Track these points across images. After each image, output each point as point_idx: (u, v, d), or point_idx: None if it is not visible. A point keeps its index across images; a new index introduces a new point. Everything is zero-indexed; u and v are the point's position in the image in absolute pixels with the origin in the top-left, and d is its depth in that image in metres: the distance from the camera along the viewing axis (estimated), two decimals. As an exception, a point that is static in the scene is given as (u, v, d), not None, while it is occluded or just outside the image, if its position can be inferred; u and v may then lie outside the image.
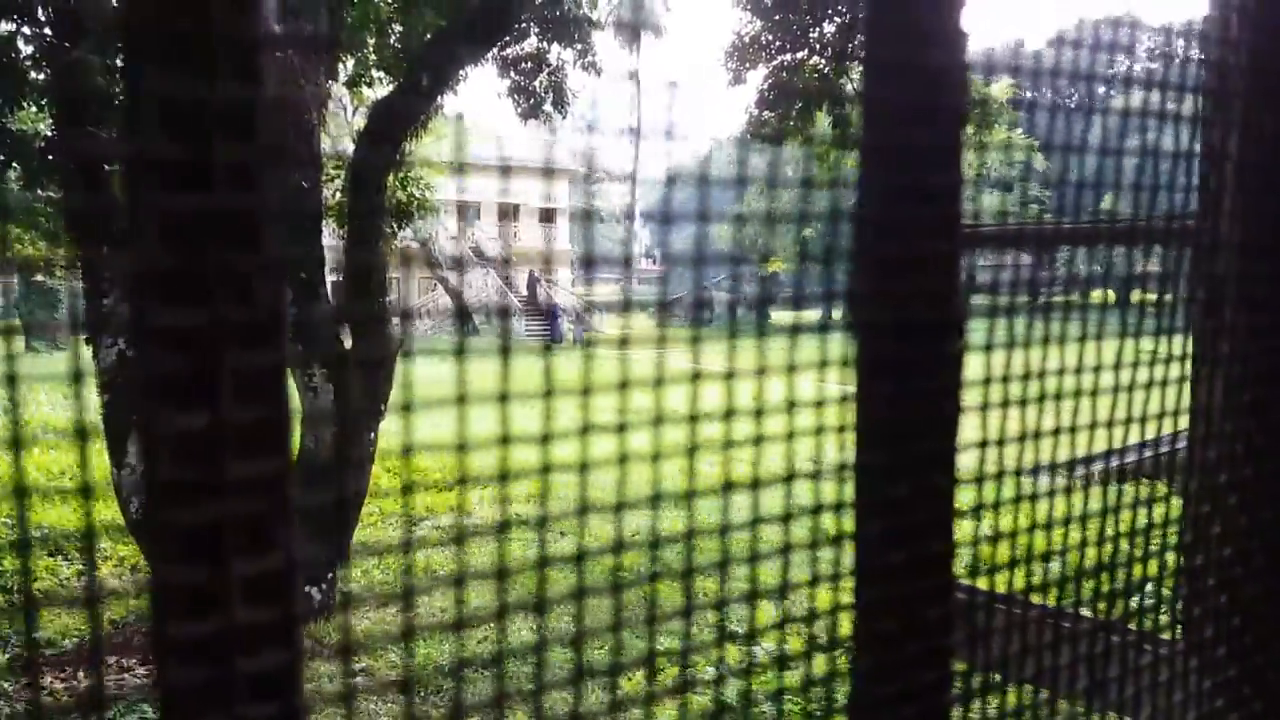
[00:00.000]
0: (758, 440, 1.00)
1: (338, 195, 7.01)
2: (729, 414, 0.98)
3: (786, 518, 0.99)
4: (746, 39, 10.30)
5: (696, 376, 1.05)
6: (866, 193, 0.85)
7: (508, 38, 8.15)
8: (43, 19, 5.71)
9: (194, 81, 0.49)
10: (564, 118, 10.49)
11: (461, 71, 6.68)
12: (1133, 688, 1.34)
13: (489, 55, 8.16)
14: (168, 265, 0.50)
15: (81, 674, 5.16)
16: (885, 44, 0.82)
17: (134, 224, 0.50)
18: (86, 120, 5.62)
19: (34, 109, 6.34)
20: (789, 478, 1.01)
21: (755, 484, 0.98)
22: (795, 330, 1.00)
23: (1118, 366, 1.36)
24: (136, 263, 0.51)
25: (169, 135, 0.50)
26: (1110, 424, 1.37)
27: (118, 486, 5.54)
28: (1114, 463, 1.59)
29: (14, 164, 6.20)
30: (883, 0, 0.83)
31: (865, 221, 0.85)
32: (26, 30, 5.79)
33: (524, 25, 8.40)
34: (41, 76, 6.03)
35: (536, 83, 9.72)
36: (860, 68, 11.02)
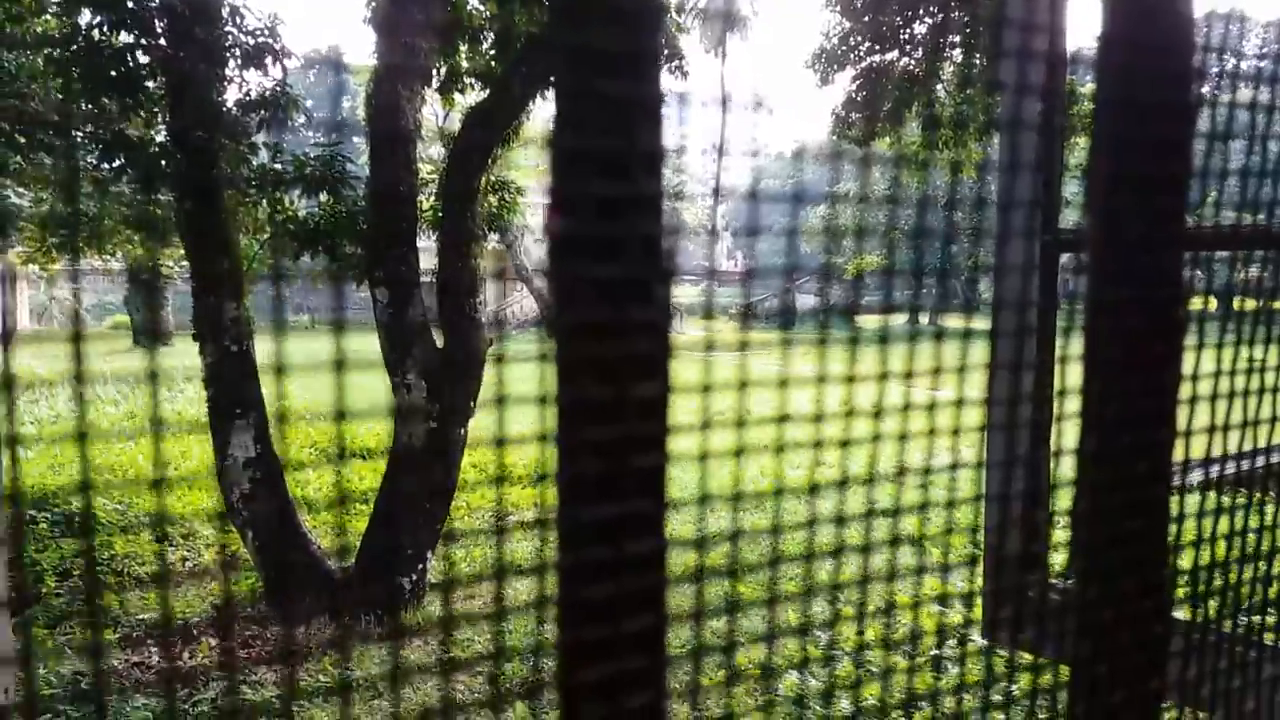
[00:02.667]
0: (875, 439, 1.02)
1: (431, 200, 7.18)
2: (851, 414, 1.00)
3: (918, 536, 1.00)
4: (835, 40, 10.22)
5: (783, 382, 1.07)
6: (1094, 186, 0.86)
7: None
8: (159, 31, 6.00)
9: (620, 83, 0.53)
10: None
11: (552, 77, 6.78)
12: None
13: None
14: (590, 271, 0.54)
15: (187, 651, 5.41)
16: (1120, 45, 0.83)
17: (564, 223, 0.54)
18: (197, 128, 5.89)
19: (149, 116, 6.66)
20: (916, 472, 1.02)
21: (866, 480, 0.99)
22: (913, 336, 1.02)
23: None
24: (559, 265, 0.55)
25: (595, 131, 0.54)
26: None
27: (221, 475, 5.79)
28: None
29: (130, 169, 6.52)
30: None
31: (1095, 214, 0.86)
32: (144, 41, 6.08)
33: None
34: (155, 85, 6.34)
35: None
36: (951, 68, 10.83)
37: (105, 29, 6.12)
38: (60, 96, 6.74)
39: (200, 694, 4.74)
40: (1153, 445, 0.90)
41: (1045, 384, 2.01)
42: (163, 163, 6.20)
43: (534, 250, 32.30)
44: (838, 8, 10.03)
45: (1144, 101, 0.87)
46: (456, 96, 8.97)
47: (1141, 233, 0.87)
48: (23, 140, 6.61)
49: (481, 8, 7.80)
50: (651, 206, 0.56)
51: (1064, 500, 1.33)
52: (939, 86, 10.90)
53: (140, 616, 5.85)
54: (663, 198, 0.55)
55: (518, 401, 0.92)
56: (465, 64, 8.41)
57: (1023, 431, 1.99)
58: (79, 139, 6.94)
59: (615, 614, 0.56)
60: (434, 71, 7.42)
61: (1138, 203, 0.87)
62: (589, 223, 0.56)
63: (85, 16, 6.27)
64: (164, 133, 6.79)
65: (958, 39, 10.14)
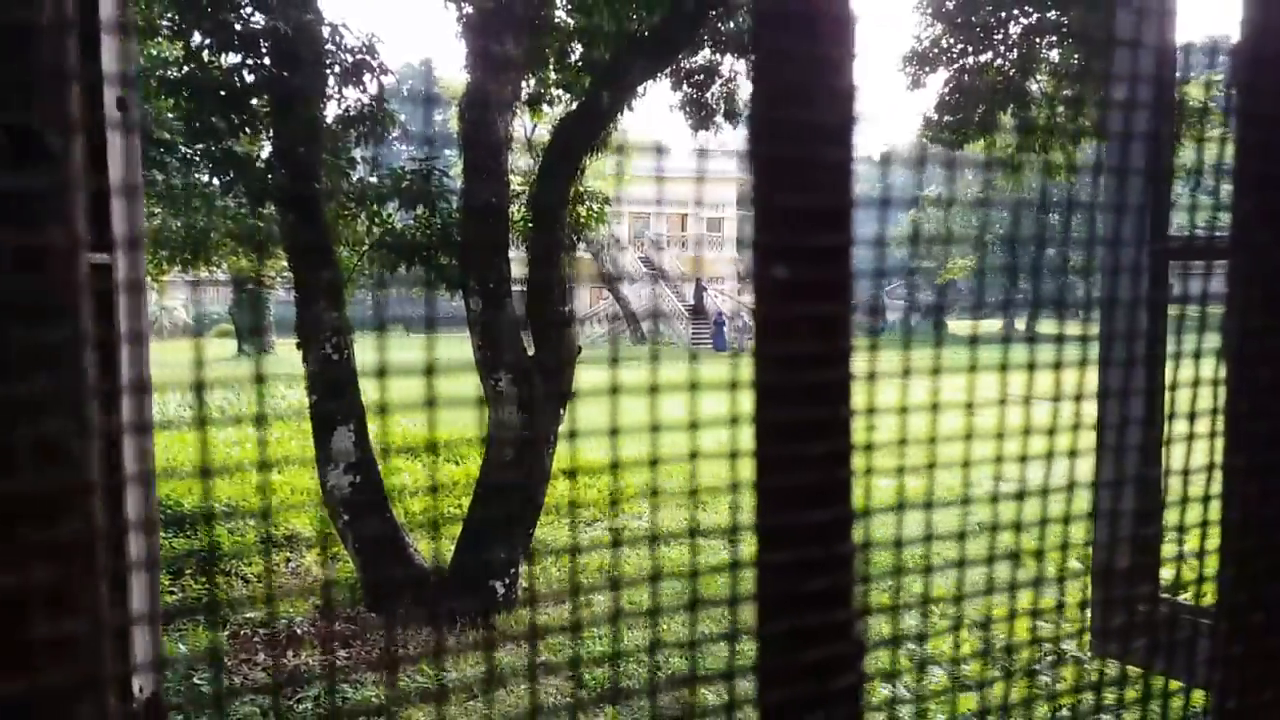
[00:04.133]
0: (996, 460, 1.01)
1: (521, 210, 7.31)
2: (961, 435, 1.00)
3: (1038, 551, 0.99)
4: (926, 42, 10.05)
5: (871, 375, 1.07)
6: (1240, 198, 0.85)
7: (684, 52, 8.29)
8: (264, 50, 6.25)
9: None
10: (735, 128, 10.54)
11: (640, 88, 6.84)
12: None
13: (665, 70, 8.33)
14: (787, 275, 0.59)
15: (290, 653, 5.60)
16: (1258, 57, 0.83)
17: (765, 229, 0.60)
18: (299, 143, 6.12)
19: (255, 133, 6.94)
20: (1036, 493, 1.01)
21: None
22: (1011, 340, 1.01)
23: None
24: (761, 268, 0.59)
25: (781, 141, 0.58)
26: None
27: (322, 479, 5.99)
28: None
29: (237, 184, 6.80)
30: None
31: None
32: (250, 61, 6.35)
33: (699, 39, 8.52)
34: (260, 103, 6.60)
35: (709, 94, 9.83)
36: (1046, 68, 10.55)
37: (214, 50, 6.41)
38: (171, 116, 7.08)
39: (303, 693, 4.90)
40: None
41: (1156, 400, 1.95)
42: (267, 177, 6.46)
43: (619, 258, 32.49)
44: (929, 10, 9.87)
45: None
46: (545, 108, 9.12)
47: None
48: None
49: (570, 20, 7.92)
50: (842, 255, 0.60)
51: (1175, 514, 1.29)
52: (1034, 87, 10.62)
53: (247, 615, 6.08)
54: (850, 245, 0.59)
55: (604, 411, 0.94)
56: (553, 76, 8.55)
57: (1133, 449, 1.93)
58: (190, 156, 7.27)
59: (808, 607, 0.60)
60: (524, 84, 7.56)
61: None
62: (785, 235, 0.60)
63: (195, 39, 6.58)
64: (269, 149, 7.07)
65: (1053, 39, 9.87)
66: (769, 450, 0.60)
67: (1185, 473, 1.11)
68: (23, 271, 0.48)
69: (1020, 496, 1.06)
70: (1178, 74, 2.15)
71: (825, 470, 0.60)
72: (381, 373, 0.95)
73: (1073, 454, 1.17)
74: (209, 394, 14.40)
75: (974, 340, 1.09)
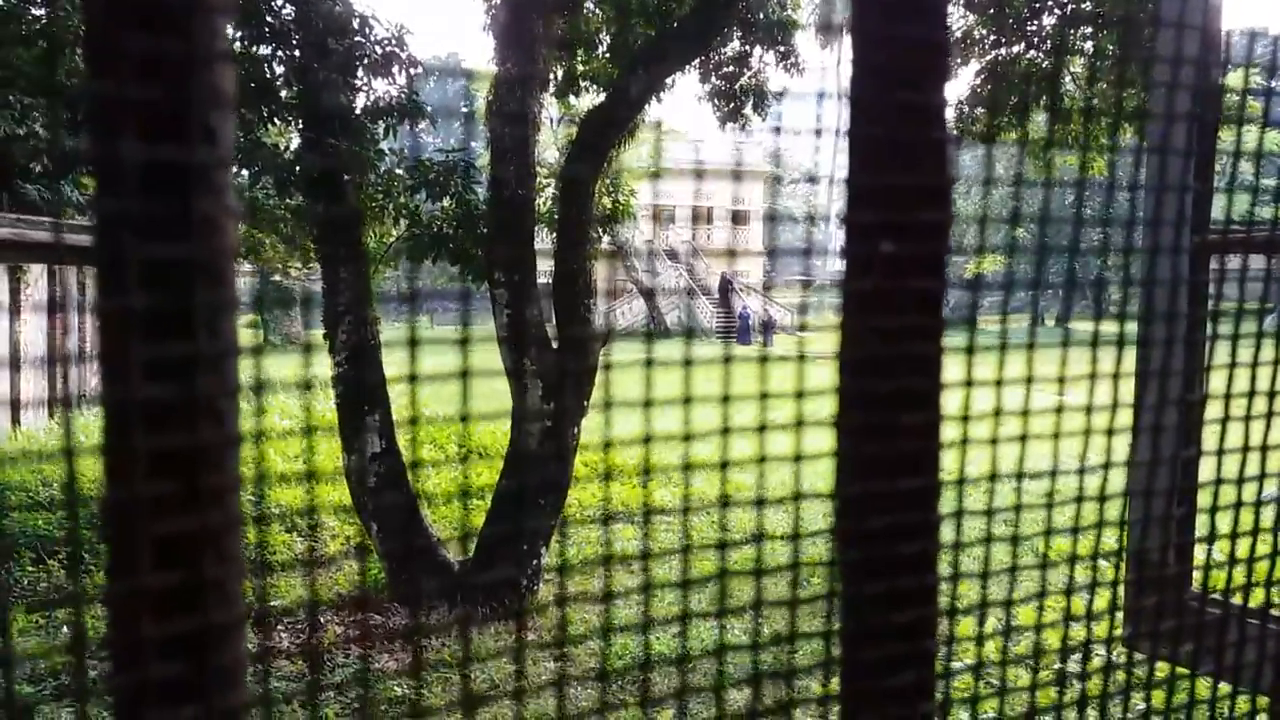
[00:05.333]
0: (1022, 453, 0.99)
1: (548, 203, 7.30)
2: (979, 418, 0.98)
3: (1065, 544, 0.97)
4: (958, 33, 9.94)
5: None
6: None
7: (714, 43, 8.25)
8: (294, 42, 6.28)
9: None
10: (764, 120, 10.47)
11: (668, 80, 6.81)
12: None
13: (694, 61, 8.29)
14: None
15: (308, 632, 5.64)
16: None
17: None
18: (329, 134, 6.14)
19: (283, 124, 6.98)
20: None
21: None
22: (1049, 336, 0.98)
23: None
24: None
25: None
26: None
27: (347, 470, 6.03)
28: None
29: (266, 175, 6.85)
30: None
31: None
32: (280, 53, 6.38)
33: (728, 30, 8.47)
34: (289, 94, 6.64)
35: (737, 86, 9.76)
36: (1080, 60, 10.40)
37: (245, 42, 6.45)
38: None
39: (328, 678, 4.94)
40: None
41: (1195, 400, 1.91)
42: (296, 169, 6.49)
43: (644, 252, 32.47)
44: (960, 1, 9.76)
45: None
46: (572, 100, 9.10)
47: None
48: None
49: (598, 11, 7.89)
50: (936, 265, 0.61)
51: (1215, 517, 1.25)
52: (1068, 80, 10.48)
53: (273, 603, 6.13)
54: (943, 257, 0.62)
55: (626, 403, 0.92)
56: (581, 68, 8.53)
57: (1170, 443, 1.89)
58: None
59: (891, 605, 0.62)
60: (551, 76, 7.55)
61: None
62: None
63: (227, 31, 6.62)
64: (297, 140, 7.11)
65: (1088, 30, 9.72)
66: (858, 419, 0.63)
67: (1225, 457, 1.08)
68: (184, 239, 0.50)
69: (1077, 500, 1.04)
70: (1223, 61, 2.10)
71: (918, 442, 0.63)
72: (412, 378, 0.93)
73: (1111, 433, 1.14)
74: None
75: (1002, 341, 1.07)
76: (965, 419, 0.97)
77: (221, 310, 0.52)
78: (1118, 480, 1.25)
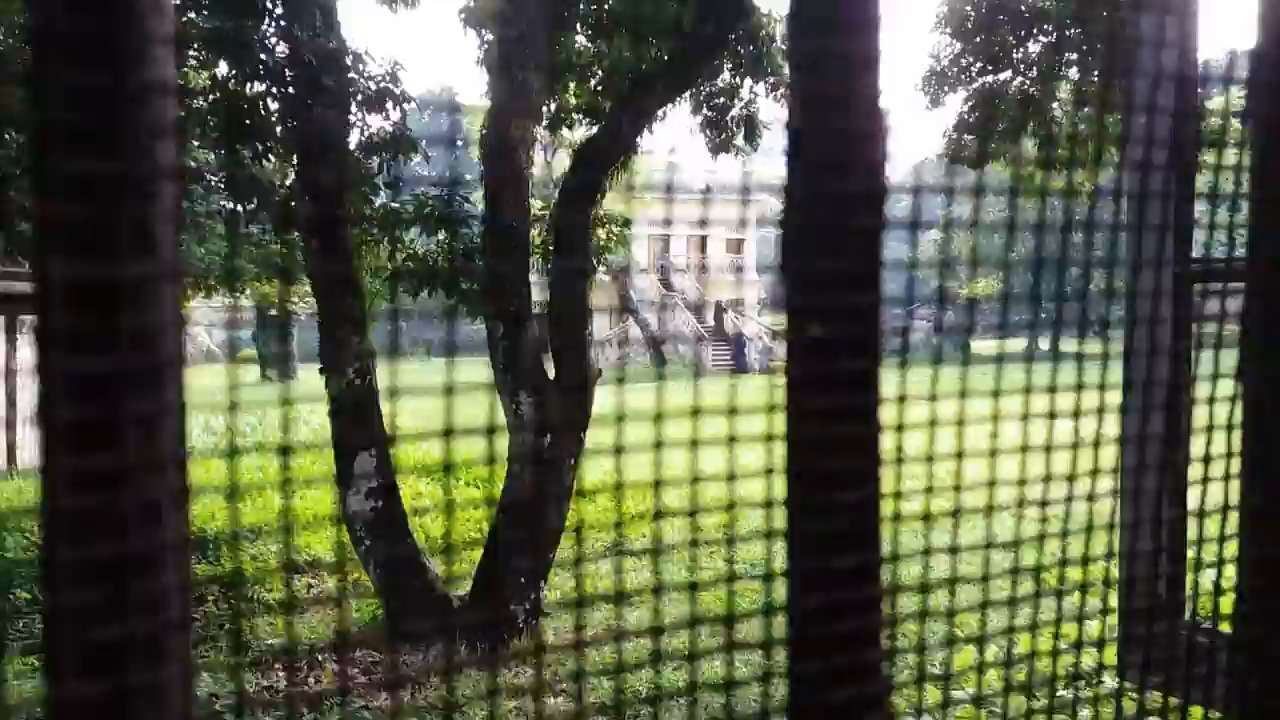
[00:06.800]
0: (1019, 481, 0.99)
1: (542, 234, 7.34)
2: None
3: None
4: (945, 61, 10.05)
5: (901, 399, 1.05)
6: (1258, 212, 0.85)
7: (703, 77, 8.33)
8: (288, 79, 6.34)
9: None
10: (755, 150, 10.56)
11: (660, 111, 6.88)
12: None
13: (685, 94, 8.36)
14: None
15: (311, 675, 5.59)
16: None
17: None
18: (323, 171, 6.18)
19: (278, 160, 7.03)
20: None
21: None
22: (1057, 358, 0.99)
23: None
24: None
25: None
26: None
27: (343, 504, 6.00)
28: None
29: (261, 211, 6.89)
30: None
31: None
32: (275, 90, 6.44)
33: (718, 62, 8.56)
34: (284, 131, 6.69)
35: (729, 117, 9.85)
36: (1067, 87, 10.52)
37: (239, 80, 6.51)
38: (198, 144, 7.18)
39: (324, 718, 4.89)
40: None
41: (1179, 426, 1.92)
42: (291, 204, 6.53)
43: (640, 282, 32.57)
44: (948, 29, 9.88)
45: None
46: (565, 133, 9.17)
47: None
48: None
49: (590, 46, 7.98)
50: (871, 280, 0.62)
51: (1205, 543, 1.26)
52: (1055, 106, 10.59)
53: (268, 641, 6.08)
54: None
55: (625, 433, 0.93)
56: (573, 100, 8.61)
57: (1158, 469, 1.89)
58: (214, 184, 7.37)
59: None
60: (544, 109, 7.62)
61: None
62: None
63: (222, 69, 6.68)
64: (292, 176, 7.15)
65: (1074, 58, 9.84)
66: (804, 498, 0.63)
67: (1208, 489, 1.09)
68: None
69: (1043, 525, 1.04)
70: (1200, 90, 2.12)
71: (857, 518, 0.63)
72: (393, 392, 0.94)
73: (1095, 473, 1.15)
74: (232, 420, 14.48)
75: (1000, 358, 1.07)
76: (960, 455, 0.98)
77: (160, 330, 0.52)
78: (1107, 511, 1.26)
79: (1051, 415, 1.08)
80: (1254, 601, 0.87)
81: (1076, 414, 1.13)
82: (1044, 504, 1.09)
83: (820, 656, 0.61)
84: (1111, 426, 1.27)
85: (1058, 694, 1.55)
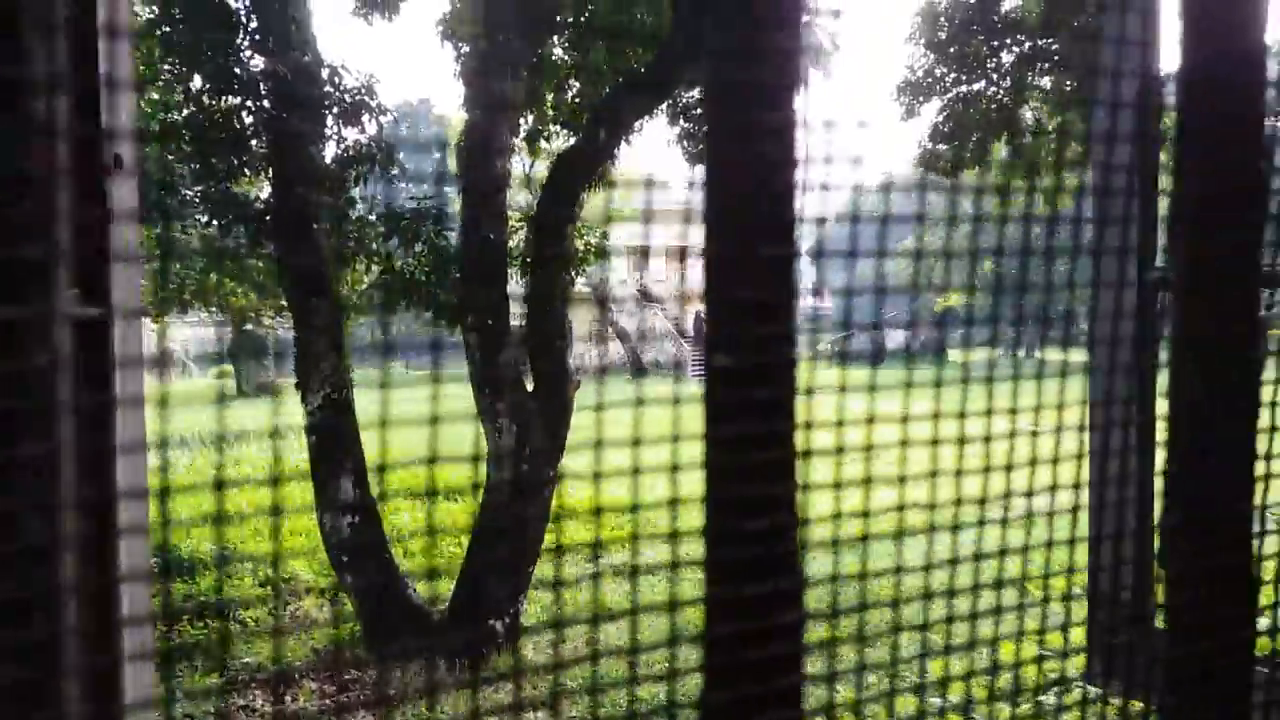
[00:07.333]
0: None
1: (520, 246, 7.32)
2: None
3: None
4: (920, 72, 10.14)
5: (870, 420, 1.05)
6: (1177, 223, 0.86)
7: (679, 88, 8.35)
8: (263, 93, 6.30)
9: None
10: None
11: (636, 124, 6.88)
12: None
13: (662, 105, 8.39)
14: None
15: (289, 695, 5.52)
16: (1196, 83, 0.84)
17: None
18: (298, 184, 6.14)
19: (254, 175, 6.97)
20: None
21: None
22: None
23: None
24: None
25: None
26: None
27: (321, 521, 5.94)
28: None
29: (238, 225, 6.82)
30: None
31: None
32: (249, 104, 6.39)
33: (691, 80, 8.59)
34: (259, 145, 6.64)
35: (705, 129, 9.87)
36: (1039, 96, 10.63)
37: (213, 94, 6.46)
38: (172, 159, 7.11)
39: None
40: (1236, 488, 0.87)
41: (1148, 427, 1.93)
42: (266, 218, 6.48)
43: (619, 293, 32.57)
44: (921, 41, 9.96)
45: (1220, 136, 0.85)
46: (543, 144, 9.17)
47: (1222, 267, 0.85)
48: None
49: (566, 58, 7.98)
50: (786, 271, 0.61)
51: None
52: (1027, 114, 10.70)
53: (245, 660, 6.01)
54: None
55: (605, 444, 0.92)
56: (551, 112, 8.60)
57: (1125, 474, 1.90)
58: (189, 198, 7.30)
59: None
60: (521, 121, 7.61)
61: (1218, 237, 0.85)
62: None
63: (196, 82, 6.63)
64: (268, 189, 7.10)
65: (1045, 67, 9.95)
66: (720, 526, 0.64)
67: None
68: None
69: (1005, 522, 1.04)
70: (1160, 103, 2.14)
71: (769, 545, 0.63)
72: (383, 423, 0.93)
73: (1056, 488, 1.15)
74: (209, 436, 14.35)
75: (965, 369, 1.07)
76: (934, 474, 0.98)
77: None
78: (1078, 519, 1.26)
79: (1012, 434, 1.08)
80: (1174, 618, 0.88)
81: (1031, 430, 1.13)
82: (1004, 521, 1.09)
83: (732, 685, 0.62)
84: (1076, 440, 1.27)
85: (1025, 704, 1.55)
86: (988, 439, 1.03)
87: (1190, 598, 0.87)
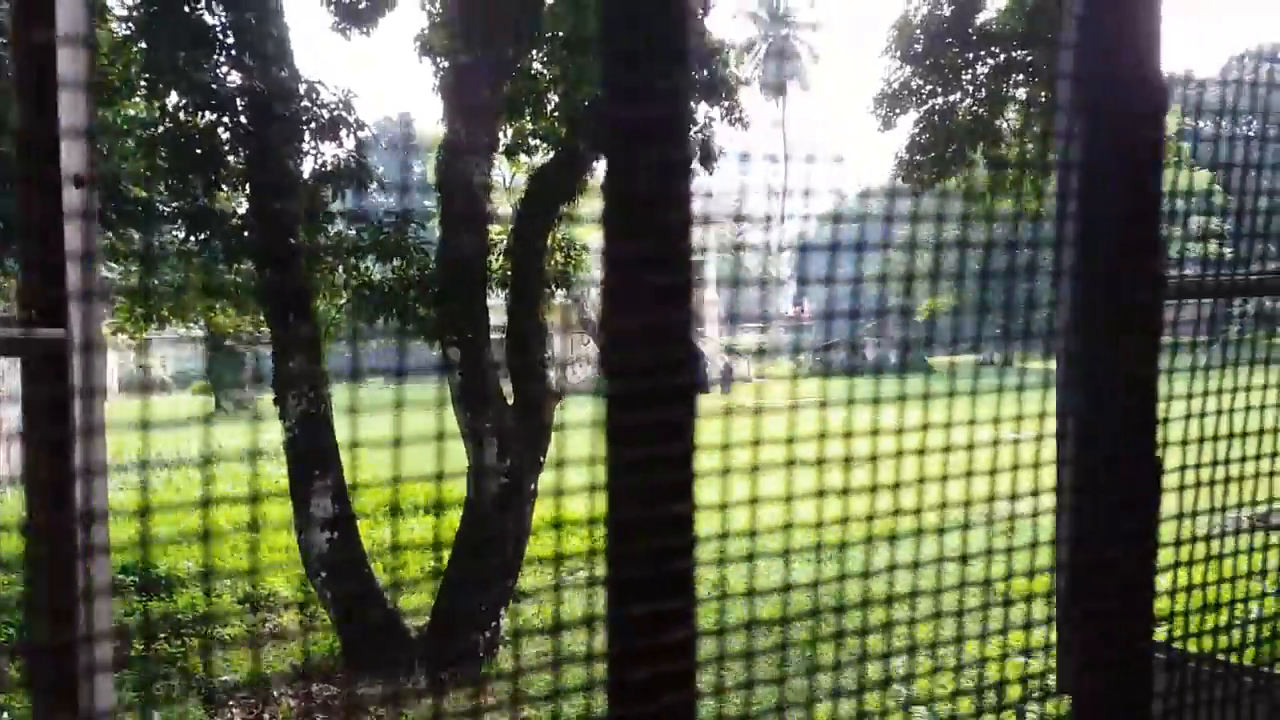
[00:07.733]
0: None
1: (500, 259, 7.32)
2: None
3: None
4: (896, 85, 10.22)
5: (849, 434, 1.06)
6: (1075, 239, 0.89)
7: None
8: (240, 109, 6.27)
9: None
10: (711, 174, 10.63)
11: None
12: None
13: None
14: None
15: (267, 712, 5.47)
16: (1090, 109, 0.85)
17: None
18: (275, 199, 6.12)
19: (231, 190, 6.93)
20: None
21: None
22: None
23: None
24: None
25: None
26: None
27: (299, 535, 5.90)
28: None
29: (214, 241, 6.77)
30: None
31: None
32: (226, 120, 6.36)
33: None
34: (236, 160, 6.60)
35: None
36: (1015, 107, 10.74)
37: (190, 110, 6.42)
38: (148, 175, 7.07)
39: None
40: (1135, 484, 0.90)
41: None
42: (244, 234, 6.44)
43: (599, 304, 32.57)
44: (897, 53, 10.05)
45: (1115, 152, 0.89)
46: (522, 158, 9.17)
47: (1118, 276, 0.88)
48: (114, 217, 6.92)
49: (545, 72, 8.00)
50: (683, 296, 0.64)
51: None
52: (1003, 126, 10.80)
53: (223, 677, 5.95)
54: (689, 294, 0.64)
55: (582, 458, 0.92)
56: (530, 126, 8.61)
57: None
58: (166, 213, 7.25)
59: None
60: (500, 134, 7.61)
61: (1113, 249, 0.88)
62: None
63: (172, 98, 6.59)
64: (245, 205, 7.07)
65: (1021, 78, 10.06)
66: (620, 546, 0.66)
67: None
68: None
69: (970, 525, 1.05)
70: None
71: (669, 563, 0.66)
72: (354, 445, 0.93)
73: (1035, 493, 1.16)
74: (184, 451, 14.23)
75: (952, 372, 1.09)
76: (898, 482, 0.99)
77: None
78: (1049, 526, 1.27)
79: (997, 442, 1.09)
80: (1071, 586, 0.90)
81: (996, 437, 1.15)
82: (967, 526, 1.10)
83: (630, 703, 0.64)
84: (1050, 447, 1.29)
85: (991, 706, 1.56)
86: (947, 449, 1.04)
87: (1094, 589, 0.89)
